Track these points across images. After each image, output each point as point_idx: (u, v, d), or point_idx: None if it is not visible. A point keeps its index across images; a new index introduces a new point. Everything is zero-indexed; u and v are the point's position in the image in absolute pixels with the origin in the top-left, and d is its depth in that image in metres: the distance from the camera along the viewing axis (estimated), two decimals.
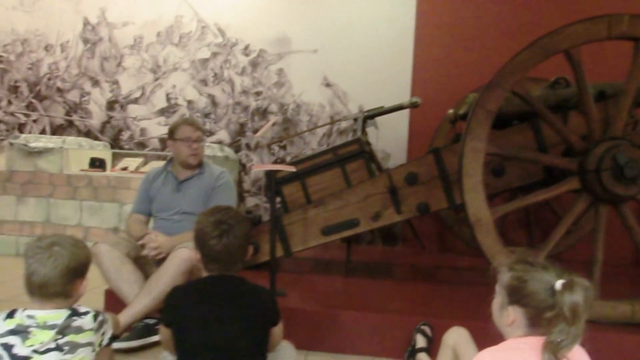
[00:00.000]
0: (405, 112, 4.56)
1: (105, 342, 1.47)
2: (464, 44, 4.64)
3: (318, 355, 2.37)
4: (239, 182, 4.65)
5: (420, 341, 2.32)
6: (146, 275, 2.56)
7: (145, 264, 2.65)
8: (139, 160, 4.75)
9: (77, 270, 1.42)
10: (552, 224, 2.84)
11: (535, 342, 1.19)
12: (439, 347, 1.81)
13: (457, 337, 1.75)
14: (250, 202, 4.93)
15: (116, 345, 2.20)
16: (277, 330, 1.71)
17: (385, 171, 3.10)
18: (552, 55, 2.39)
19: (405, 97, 4.35)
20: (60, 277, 1.38)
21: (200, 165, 2.87)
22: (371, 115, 3.89)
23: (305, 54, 4.92)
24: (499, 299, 1.33)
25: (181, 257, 2.40)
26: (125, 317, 2.31)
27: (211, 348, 1.52)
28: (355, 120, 3.90)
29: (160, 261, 2.55)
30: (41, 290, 1.38)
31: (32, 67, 5.39)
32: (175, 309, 1.60)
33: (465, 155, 2.42)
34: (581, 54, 2.40)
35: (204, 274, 1.68)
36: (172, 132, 2.84)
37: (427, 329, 2.36)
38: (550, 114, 2.51)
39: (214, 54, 5.07)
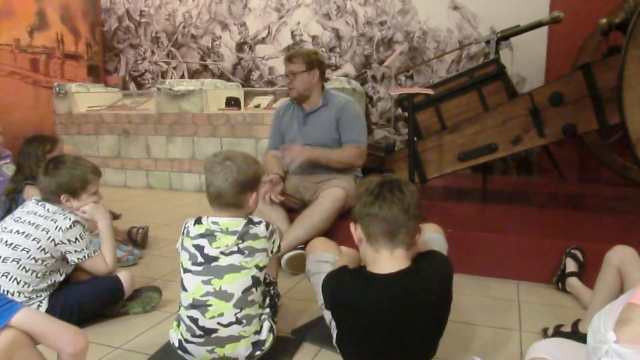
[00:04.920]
0: (543, 31, 4.15)
1: (275, 249, 1.63)
2: None
3: (461, 277, 2.38)
4: (366, 115, 4.67)
5: (571, 265, 2.23)
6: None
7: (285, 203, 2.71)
8: (269, 97, 4.96)
9: (246, 184, 1.54)
10: None
11: None
12: (601, 266, 1.71)
13: (622, 256, 1.64)
14: (378, 134, 4.95)
15: (294, 252, 2.43)
16: None
17: (525, 92, 2.91)
18: None
19: (543, 12, 3.96)
20: (230, 189, 1.52)
21: (325, 97, 2.79)
22: (505, 36, 3.62)
23: None
24: None
25: (335, 196, 2.50)
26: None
27: (391, 338, 1.40)
28: (488, 42, 3.66)
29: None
30: (217, 200, 1.54)
31: (169, 18, 5.79)
32: (345, 294, 1.42)
33: (627, 66, 2.19)
34: None
35: (369, 256, 1.42)
36: None
37: (578, 253, 2.26)
38: None
39: None
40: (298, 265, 2.42)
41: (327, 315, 1.59)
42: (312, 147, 2.65)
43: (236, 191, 1.53)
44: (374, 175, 1.45)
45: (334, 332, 1.55)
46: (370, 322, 1.38)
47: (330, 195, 2.51)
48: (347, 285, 1.42)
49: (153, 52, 5.93)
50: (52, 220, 1.80)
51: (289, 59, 2.74)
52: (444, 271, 1.43)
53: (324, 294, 1.49)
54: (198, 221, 1.54)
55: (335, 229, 2.55)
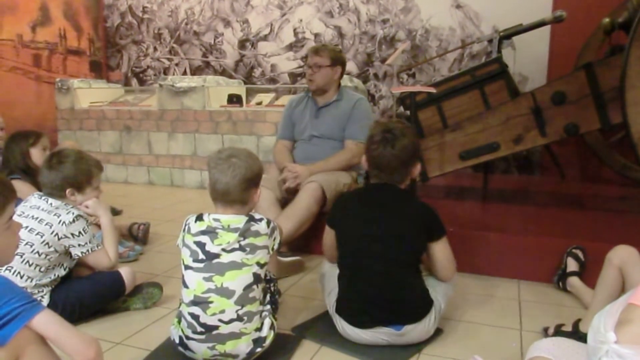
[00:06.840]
0: (546, 30, 4.14)
1: (276, 246, 1.63)
2: None
3: (461, 275, 2.36)
4: None
5: (572, 265, 2.23)
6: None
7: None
8: (271, 95, 4.96)
9: (252, 180, 1.56)
10: None
11: None
12: (602, 266, 1.71)
13: (625, 256, 1.63)
14: None
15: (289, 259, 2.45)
16: (439, 247, 1.72)
17: (528, 92, 2.91)
18: None
19: (545, 11, 3.95)
20: (238, 186, 1.53)
21: (339, 93, 2.88)
22: (508, 35, 3.61)
23: None
24: None
25: (311, 188, 2.56)
26: None
27: (367, 247, 1.68)
28: (490, 41, 3.66)
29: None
30: (223, 197, 1.55)
31: (172, 14, 5.78)
32: (340, 210, 1.84)
33: (630, 65, 2.19)
34: None
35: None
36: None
37: (579, 252, 2.25)
38: None
39: None
40: (290, 271, 2.46)
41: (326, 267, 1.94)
42: (310, 165, 2.71)
43: (243, 187, 1.54)
44: (385, 120, 1.95)
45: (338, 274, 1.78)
46: (361, 225, 1.71)
47: (307, 189, 2.56)
48: (348, 194, 2.04)
49: (155, 49, 5.93)
50: (55, 214, 1.80)
51: (315, 52, 2.82)
52: (427, 206, 1.74)
53: (332, 209, 1.93)
54: (199, 218, 1.55)
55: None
